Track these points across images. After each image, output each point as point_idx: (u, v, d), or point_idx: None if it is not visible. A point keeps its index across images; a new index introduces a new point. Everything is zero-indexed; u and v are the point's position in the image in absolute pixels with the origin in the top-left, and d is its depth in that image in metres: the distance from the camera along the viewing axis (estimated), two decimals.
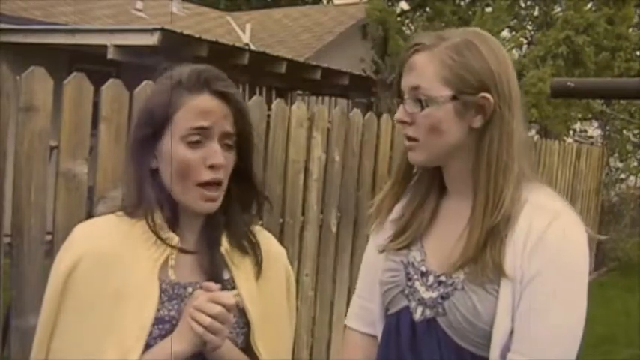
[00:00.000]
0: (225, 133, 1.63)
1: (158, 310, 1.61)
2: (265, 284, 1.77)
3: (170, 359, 1.57)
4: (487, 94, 1.60)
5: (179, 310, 1.63)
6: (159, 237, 1.64)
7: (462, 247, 1.63)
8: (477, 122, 1.62)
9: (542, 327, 1.54)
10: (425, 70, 1.63)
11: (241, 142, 1.68)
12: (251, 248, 1.76)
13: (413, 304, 1.71)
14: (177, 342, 1.58)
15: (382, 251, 1.83)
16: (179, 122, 1.62)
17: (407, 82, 1.66)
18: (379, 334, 1.86)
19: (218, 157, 1.61)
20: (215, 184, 1.62)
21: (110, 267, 1.61)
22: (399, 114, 1.67)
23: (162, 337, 1.60)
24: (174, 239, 1.66)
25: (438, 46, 1.63)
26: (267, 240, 1.85)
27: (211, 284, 1.61)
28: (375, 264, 1.87)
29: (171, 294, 1.64)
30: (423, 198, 1.78)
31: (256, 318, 1.71)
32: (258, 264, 1.76)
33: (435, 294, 1.67)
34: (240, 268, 1.73)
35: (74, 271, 1.60)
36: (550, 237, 1.56)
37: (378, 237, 1.87)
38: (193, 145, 1.61)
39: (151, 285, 1.62)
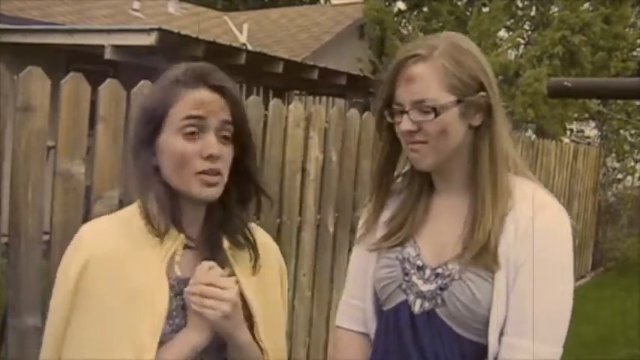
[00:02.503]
0: (222, 124, 1.66)
1: (169, 304, 1.64)
2: (262, 279, 1.80)
3: (190, 352, 1.62)
4: (484, 93, 1.71)
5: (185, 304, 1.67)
6: (151, 233, 1.67)
7: (468, 238, 1.70)
8: (477, 120, 1.73)
9: (532, 310, 1.63)
10: (429, 81, 1.69)
11: (238, 135, 1.70)
12: (248, 244, 1.78)
13: (411, 297, 1.77)
14: (195, 333, 1.63)
15: (373, 250, 1.89)
16: (175, 115, 1.65)
17: (409, 94, 1.71)
18: (371, 333, 1.92)
19: (214, 147, 1.63)
20: (212, 172, 1.64)
21: (120, 266, 1.63)
22: (406, 125, 1.71)
23: (175, 332, 1.64)
24: (180, 236, 1.69)
25: (432, 55, 1.70)
26: (262, 236, 1.88)
27: (204, 262, 1.66)
28: (366, 264, 1.92)
29: (178, 289, 1.67)
30: (416, 198, 1.86)
31: (259, 312, 1.74)
32: (255, 260, 1.78)
33: (433, 286, 1.74)
34: (240, 264, 1.76)
35: (85, 271, 1.62)
36: (537, 225, 1.66)
37: (366, 238, 1.93)
38: (189, 136, 1.63)
39: (161, 282, 1.64)
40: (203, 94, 1.65)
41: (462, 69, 1.70)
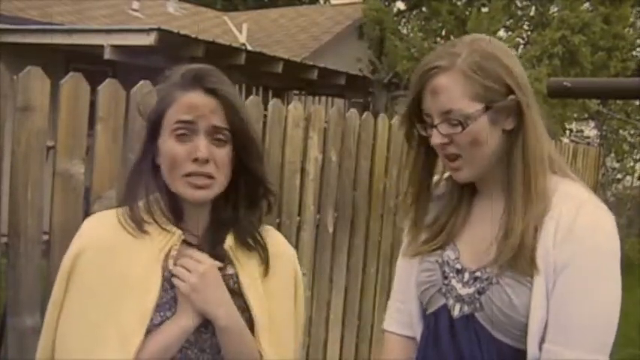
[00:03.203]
0: (212, 128, 1.67)
1: (160, 297, 1.67)
2: (272, 284, 1.80)
3: (180, 334, 1.65)
4: (514, 96, 1.66)
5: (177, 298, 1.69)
6: (134, 229, 1.70)
7: (502, 241, 1.66)
8: (510, 124, 1.69)
9: (577, 316, 1.57)
10: (453, 92, 1.66)
11: (236, 138, 1.69)
12: (257, 247, 1.79)
13: (450, 301, 1.76)
14: (182, 317, 1.66)
15: (415, 255, 1.89)
16: (170, 118, 1.68)
17: (436, 106, 1.68)
18: (418, 336, 1.92)
19: (201, 150, 1.64)
20: (201, 174, 1.66)
21: (115, 256, 1.67)
22: (437, 139, 1.69)
23: (164, 323, 1.66)
24: (177, 231, 1.72)
25: (455, 64, 1.66)
26: (276, 240, 1.89)
27: (195, 251, 1.70)
28: (409, 267, 1.93)
29: (171, 283, 1.69)
30: (458, 201, 1.84)
31: (260, 314, 1.74)
32: (264, 263, 1.79)
33: (471, 290, 1.72)
34: (245, 266, 1.76)
35: (79, 258, 1.67)
36: (579, 225, 1.60)
37: (411, 245, 1.91)
38: (181, 138, 1.66)
39: (154, 273, 1.67)
40: (195, 97, 1.67)
41: (486, 75, 1.65)
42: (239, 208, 1.77)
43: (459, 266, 1.77)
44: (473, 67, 1.65)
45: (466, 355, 1.71)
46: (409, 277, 1.92)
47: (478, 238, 1.76)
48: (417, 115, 1.76)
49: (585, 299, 1.58)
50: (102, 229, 1.73)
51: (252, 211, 1.79)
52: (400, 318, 2.00)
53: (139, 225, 1.70)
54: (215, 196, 1.72)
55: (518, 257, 1.63)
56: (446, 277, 1.79)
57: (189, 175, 1.66)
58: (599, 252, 1.60)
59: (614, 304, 1.61)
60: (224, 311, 1.67)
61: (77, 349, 1.63)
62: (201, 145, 1.65)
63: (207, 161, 1.65)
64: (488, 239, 1.71)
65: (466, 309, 1.72)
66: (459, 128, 1.66)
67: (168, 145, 1.67)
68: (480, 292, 1.69)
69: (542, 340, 1.60)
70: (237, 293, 1.73)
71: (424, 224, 1.89)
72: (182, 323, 1.66)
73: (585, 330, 1.57)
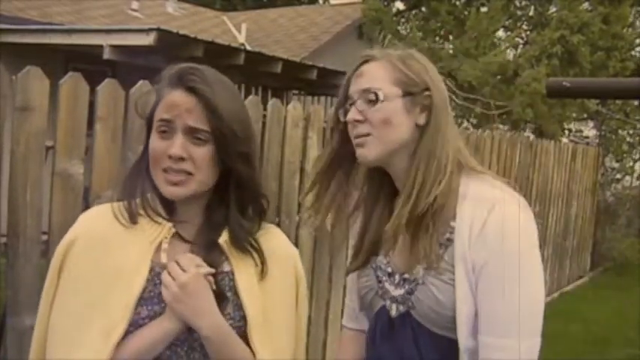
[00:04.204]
0: (187, 127, 1.67)
1: (149, 291, 1.68)
2: (269, 283, 1.80)
3: (163, 337, 1.66)
4: (430, 93, 1.78)
5: None
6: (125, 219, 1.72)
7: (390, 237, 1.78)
8: (422, 119, 1.79)
9: (500, 309, 1.67)
10: (376, 74, 1.80)
11: (216, 138, 1.69)
12: (251, 250, 1.79)
13: (387, 302, 1.87)
14: (166, 319, 1.66)
15: (349, 273, 2.03)
16: (156, 116, 1.72)
17: (357, 86, 1.81)
18: (365, 328, 2.04)
19: (175, 148, 1.66)
20: (176, 171, 1.67)
21: (105, 247, 1.70)
22: (352, 114, 1.80)
23: (151, 317, 1.67)
24: (167, 224, 1.74)
25: (385, 57, 1.82)
26: (277, 239, 1.90)
27: (185, 255, 1.70)
28: (354, 281, 2.06)
29: (160, 277, 1.69)
30: (375, 205, 1.94)
31: (254, 314, 1.73)
32: (260, 264, 1.79)
33: (402, 291, 1.82)
34: (242, 263, 1.76)
35: (71, 248, 1.70)
36: (490, 227, 1.69)
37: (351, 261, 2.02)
38: (162, 135, 1.69)
39: (142, 266, 1.69)
40: (176, 95, 1.69)
41: (408, 68, 1.79)
42: (231, 210, 1.77)
43: (389, 270, 1.87)
44: (398, 60, 1.80)
45: (405, 351, 1.80)
46: (354, 280, 2.04)
47: (403, 241, 1.81)
48: (342, 104, 1.86)
49: (506, 295, 1.66)
50: (95, 221, 1.76)
51: (241, 213, 1.78)
52: (351, 313, 2.13)
53: (132, 216, 1.73)
54: (199, 194, 1.72)
55: (412, 254, 1.75)
56: (380, 281, 1.89)
57: (165, 170, 1.68)
58: (510, 253, 1.67)
59: (535, 294, 1.70)
60: (206, 322, 1.66)
61: (63, 338, 1.66)
62: (177, 142, 1.66)
63: (182, 159, 1.66)
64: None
65: (402, 308, 1.82)
66: (374, 104, 1.76)
67: (152, 141, 1.71)
68: (409, 293, 1.80)
69: (473, 331, 1.70)
70: (232, 291, 1.73)
71: (353, 241, 2.01)
72: (166, 325, 1.66)
73: (512, 320, 1.66)
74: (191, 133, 1.67)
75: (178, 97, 1.68)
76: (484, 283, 1.68)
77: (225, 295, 1.71)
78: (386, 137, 1.77)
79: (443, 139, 1.77)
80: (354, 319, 2.11)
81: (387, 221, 1.83)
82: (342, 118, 1.85)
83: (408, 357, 1.79)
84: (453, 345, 1.73)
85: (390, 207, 1.88)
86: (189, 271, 1.65)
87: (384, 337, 1.87)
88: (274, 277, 1.81)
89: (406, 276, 1.81)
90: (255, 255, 1.78)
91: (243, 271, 1.76)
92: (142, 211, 1.74)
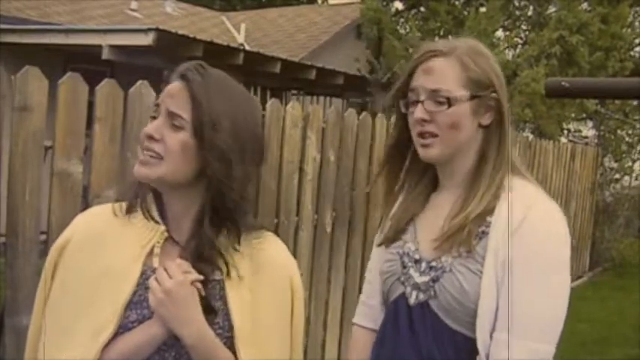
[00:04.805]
0: (167, 111, 1.66)
1: (139, 295, 1.67)
2: (262, 293, 1.75)
3: (149, 341, 1.64)
4: (496, 95, 1.80)
5: None
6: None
7: (450, 219, 1.80)
8: (487, 120, 1.81)
9: (524, 309, 1.66)
10: (445, 74, 1.79)
11: (195, 129, 1.65)
12: (218, 262, 1.71)
13: (408, 289, 1.84)
14: (153, 324, 1.64)
15: (380, 245, 1.99)
16: None
17: (426, 84, 1.80)
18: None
19: (149, 127, 1.66)
20: (146, 150, 1.66)
21: (98, 248, 1.70)
22: (420, 113, 1.79)
23: (140, 321, 1.66)
24: (161, 228, 1.72)
25: (453, 53, 1.80)
26: (273, 248, 1.84)
27: (178, 260, 1.67)
28: (377, 261, 2.03)
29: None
30: (417, 194, 1.95)
31: (242, 324, 1.69)
32: (227, 270, 1.71)
33: (426, 278, 1.80)
34: (233, 271, 1.72)
35: (65, 249, 1.72)
36: (527, 226, 1.70)
37: (380, 233, 2.02)
38: (152, 119, 1.69)
39: (133, 269, 1.68)
40: (172, 84, 1.69)
41: (478, 68, 1.79)
42: (204, 213, 1.69)
43: (417, 256, 1.86)
44: (468, 58, 1.80)
45: (422, 343, 1.78)
46: (376, 271, 2.02)
47: (434, 230, 1.83)
48: (403, 93, 1.87)
49: (532, 295, 1.66)
50: (90, 222, 1.77)
51: (214, 219, 1.70)
52: (366, 311, 2.09)
53: (129, 210, 1.74)
54: (173, 184, 1.68)
55: (457, 234, 1.75)
56: (405, 267, 1.87)
57: (142, 149, 1.67)
58: (546, 249, 1.70)
59: (560, 299, 1.70)
60: (188, 331, 1.63)
61: (53, 337, 1.67)
62: (154, 123, 1.66)
63: (153, 138, 1.64)
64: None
65: (422, 296, 1.80)
66: (444, 107, 1.77)
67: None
68: (434, 280, 1.78)
69: (492, 330, 1.68)
70: (222, 300, 1.70)
71: (390, 215, 1.99)
72: (153, 330, 1.64)
73: (531, 321, 1.66)
74: (170, 117, 1.65)
75: (173, 85, 1.68)
76: (510, 281, 1.67)
77: (211, 305, 1.68)
78: (452, 140, 1.79)
79: (505, 139, 1.81)
80: (370, 318, 2.06)
81: (418, 209, 1.91)
82: (403, 110, 1.87)
83: (425, 352, 1.77)
84: (468, 343, 1.71)
85: (425, 194, 1.94)
86: (176, 277, 1.62)
87: (401, 327, 1.84)
88: (267, 287, 1.76)
89: (434, 264, 1.80)
90: (222, 263, 1.70)
91: (233, 281, 1.71)
92: (139, 212, 1.73)
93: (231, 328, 1.69)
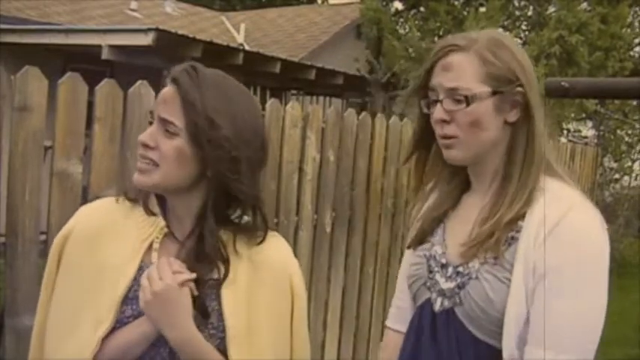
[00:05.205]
0: (160, 118, 1.65)
1: (134, 290, 1.67)
2: (260, 294, 1.74)
3: (140, 339, 1.65)
4: (522, 89, 1.68)
5: None
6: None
7: (481, 224, 1.69)
8: (513, 116, 1.69)
9: (560, 320, 1.55)
10: (464, 70, 1.68)
11: (190, 134, 1.63)
12: (217, 259, 1.71)
13: (433, 295, 1.77)
14: (145, 322, 1.65)
15: (408, 248, 1.92)
16: None
17: (444, 81, 1.70)
18: None
19: (142, 135, 1.66)
20: (142, 157, 1.66)
21: (99, 240, 1.71)
22: (439, 113, 1.70)
23: (135, 317, 1.67)
24: (161, 222, 1.73)
25: (472, 47, 1.69)
26: (274, 249, 1.82)
27: (164, 260, 1.66)
28: (406, 262, 1.95)
29: None
30: (447, 195, 1.86)
31: (234, 324, 1.68)
32: (225, 271, 1.71)
33: (452, 284, 1.72)
34: (232, 271, 1.71)
35: (67, 241, 1.73)
36: (565, 229, 1.58)
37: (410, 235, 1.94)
38: (149, 126, 1.69)
39: (131, 263, 1.69)
40: (164, 89, 1.68)
41: (499, 62, 1.68)
42: (206, 214, 1.69)
43: (444, 261, 1.77)
44: (488, 52, 1.68)
45: (444, 351, 1.71)
46: (406, 270, 1.94)
47: (464, 233, 1.74)
48: (423, 91, 1.77)
49: (569, 305, 1.55)
50: (93, 214, 1.79)
51: (219, 219, 1.71)
52: (397, 314, 2.01)
53: (132, 203, 1.75)
54: (172, 189, 1.68)
55: (486, 241, 1.65)
56: (431, 272, 1.80)
57: (139, 157, 1.67)
58: (584, 259, 1.57)
59: (597, 311, 1.58)
60: (174, 334, 1.63)
61: (56, 328, 1.69)
62: (148, 130, 1.66)
63: (147, 146, 1.64)
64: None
65: (447, 303, 1.72)
66: (463, 105, 1.67)
67: None
68: (460, 287, 1.69)
69: (520, 341, 1.58)
70: (217, 300, 1.69)
71: (418, 216, 1.91)
72: (143, 329, 1.65)
73: (568, 335, 1.55)
74: (163, 124, 1.64)
75: (164, 90, 1.67)
76: (546, 289, 1.56)
77: (205, 305, 1.67)
78: (475, 140, 1.69)
79: (536, 137, 1.69)
80: (401, 320, 1.97)
81: (448, 209, 1.83)
82: (424, 110, 1.77)
83: (446, 358, 1.70)
84: (492, 353, 1.63)
85: (455, 194, 1.85)
86: (165, 279, 1.61)
87: (426, 337, 1.77)
88: (265, 288, 1.75)
89: (460, 269, 1.71)
90: (221, 264, 1.70)
91: (231, 280, 1.70)
92: (141, 206, 1.75)
93: (225, 328, 1.68)
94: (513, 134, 1.70)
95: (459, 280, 1.70)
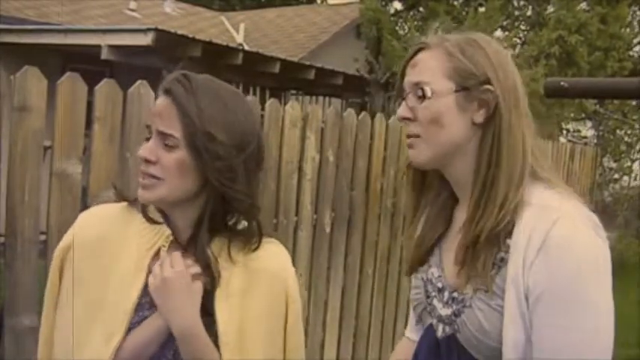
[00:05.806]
0: (158, 132, 1.64)
1: (141, 297, 1.67)
2: (253, 301, 1.74)
3: (155, 335, 1.66)
4: (490, 87, 1.56)
5: None
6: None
7: (456, 252, 1.59)
8: (480, 117, 1.57)
9: (563, 343, 1.43)
10: (427, 65, 1.60)
11: (189, 145, 1.63)
12: (209, 267, 1.71)
13: (434, 321, 1.70)
14: (157, 317, 1.67)
15: (408, 275, 1.83)
16: None
17: (409, 78, 1.63)
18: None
19: (142, 150, 1.64)
20: (143, 174, 1.65)
21: (101, 252, 1.70)
22: (401, 110, 1.63)
23: (140, 323, 1.67)
24: (167, 231, 1.72)
25: (441, 45, 1.61)
26: (270, 257, 1.81)
27: (178, 252, 1.68)
28: (411, 284, 1.87)
29: None
30: (439, 212, 1.74)
31: (225, 330, 1.68)
32: (217, 273, 1.71)
33: (449, 311, 1.64)
34: (225, 278, 1.71)
35: (69, 251, 1.71)
36: (552, 242, 1.44)
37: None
38: (147, 140, 1.67)
39: (139, 272, 1.69)
40: (158, 101, 1.66)
41: (467, 59, 1.57)
42: (202, 224, 1.69)
43: (440, 285, 1.68)
44: (456, 49, 1.59)
45: None
46: None
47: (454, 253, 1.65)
48: (401, 94, 1.68)
49: (567, 330, 1.43)
50: (94, 222, 1.76)
51: (213, 226, 1.71)
52: (412, 324, 1.97)
53: (131, 206, 1.75)
54: (177, 200, 1.67)
55: (473, 273, 1.54)
56: (428, 296, 1.72)
57: (141, 173, 1.66)
58: (575, 276, 1.43)
59: (603, 327, 1.47)
60: (177, 322, 1.64)
61: (66, 345, 1.67)
62: (146, 145, 1.64)
63: (149, 161, 1.63)
64: None
65: (447, 329, 1.65)
66: (423, 100, 1.58)
67: None
68: (456, 315, 1.61)
69: None
70: (210, 305, 1.69)
71: (413, 240, 1.80)
72: (156, 324, 1.66)
73: (575, 356, 1.43)
74: (162, 137, 1.63)
75: (158, 102, 1.65)
76: (540, 314, 1.44)
77: (207, 308, 1.68)
78: (435, 139, 1.58)
79: (510, 141, 1.55)
80: (415, 331, 1.90)
81: (439, 229, 1.71)
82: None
83: None
84: None
85: (445, 214, 1.72)
86: (177, 266, 1.65)
87: (430, 358, 1.71)
88: (258, 295, 1.74)
89: (455, 295, 1.61)
90: (214, 271, 1.70)
91: (223, 287, 1.70)
92: (142, 214, 1.74)
93: (217, 334, 1.68)
94: (481, 137, 1.58)
95: (454, 307, 1.62)
